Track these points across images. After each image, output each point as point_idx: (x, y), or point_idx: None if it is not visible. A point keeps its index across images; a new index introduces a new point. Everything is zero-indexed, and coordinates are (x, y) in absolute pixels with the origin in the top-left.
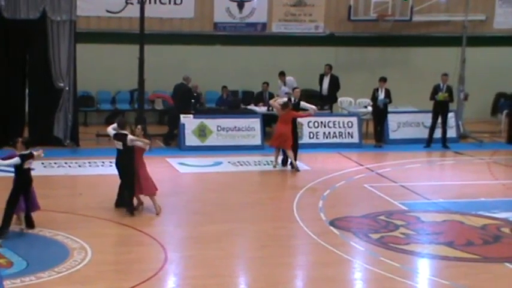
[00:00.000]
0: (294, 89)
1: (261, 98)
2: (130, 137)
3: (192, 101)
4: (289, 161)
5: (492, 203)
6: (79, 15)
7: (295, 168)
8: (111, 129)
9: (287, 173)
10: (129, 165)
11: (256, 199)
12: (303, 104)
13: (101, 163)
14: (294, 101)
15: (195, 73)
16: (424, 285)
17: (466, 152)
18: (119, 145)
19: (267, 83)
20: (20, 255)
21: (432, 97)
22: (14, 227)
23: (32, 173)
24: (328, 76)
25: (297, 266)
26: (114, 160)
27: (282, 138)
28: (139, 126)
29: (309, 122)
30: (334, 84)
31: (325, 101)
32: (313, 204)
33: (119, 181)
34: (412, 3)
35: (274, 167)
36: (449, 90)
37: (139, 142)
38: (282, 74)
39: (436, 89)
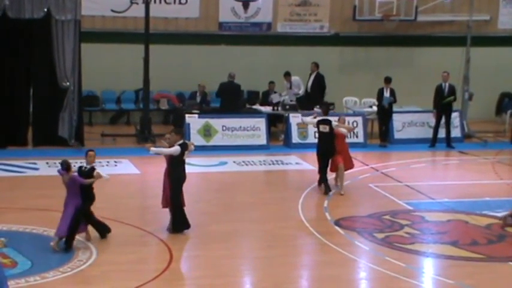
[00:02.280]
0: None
1: (267, 97)
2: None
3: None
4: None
5: (496, 203)
6: (84, 15)
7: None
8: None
9: (292, 172)
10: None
11: (261, 199)
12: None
13: (105, 163)
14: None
15: (200, 73)
16: (429, 284)
17: (470, 152)
18: None
19: (273, 82)
20: (25, 255)
21: (436, 102)
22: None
23: (37, 172)
24: (314, 74)
25: (302, 266)
26: (120, 159)
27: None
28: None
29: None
30: (319, 82)
31: (310, 100)
32: (319, 204)
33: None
34: (416, 3)
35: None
36: (451, 89)
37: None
38: (287, 75)
39: (438, 90)
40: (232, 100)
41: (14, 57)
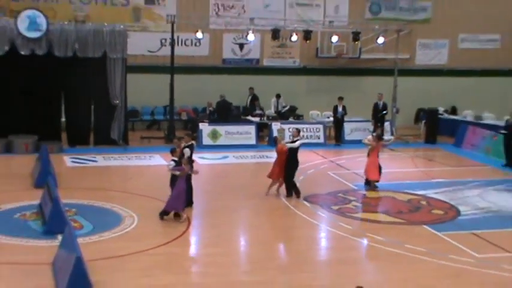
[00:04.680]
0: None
1: (253, 110)
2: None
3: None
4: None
5: (414, 184)
6: (129, 54)
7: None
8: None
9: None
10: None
11: (251, 182)
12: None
13: (143, 157)
14: (292, 139)
15: (209, 94)
16: (369, 240)
17: (397, 149)
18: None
19: (258, 100)
20: (88, 221)
21: (374, 115)
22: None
23: (96, 164)
24: (251, 96)
25: (280, 228)
26: (153, 155)
27: (272, 170)
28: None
29: (289, 128)
30: (253, 100)
31: (247, 112)
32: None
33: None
34: (360, 45)
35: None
36: (384, 106)
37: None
38: (278, 96)
39: (375, 106)
40: (225, 112)
41: (81, 84)
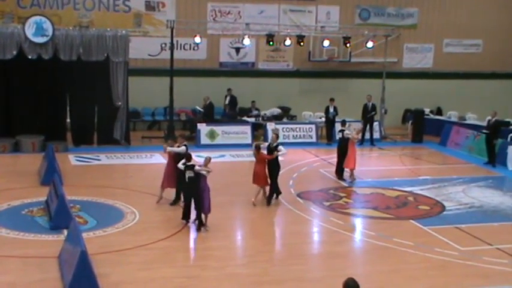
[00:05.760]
0: (274, 134)
1: (249, 111)
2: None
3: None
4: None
5: (402, 181)
6: (130, 58)
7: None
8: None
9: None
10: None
11: (247, 179)
12: (279, 147)
13: (144, 156)
14: (272, 144)
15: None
16: (358, 234)
17: (386, 148)
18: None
19: (254, 101)
20: (92, 216)
21: (363, 116)
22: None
23: (99, 162)
24: (229, 96)
25: (275, 223)
26: (154, 153)
27: (256, 176)
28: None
29: (283, 128)
30: (232, 102)
31: (226, 113)
32: (286, 183)
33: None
34: (350, 49)
35: (254, 205)
36: (373, 107)
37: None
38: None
39: (365, 107)
40: (210, 114)
41: (85, 86)
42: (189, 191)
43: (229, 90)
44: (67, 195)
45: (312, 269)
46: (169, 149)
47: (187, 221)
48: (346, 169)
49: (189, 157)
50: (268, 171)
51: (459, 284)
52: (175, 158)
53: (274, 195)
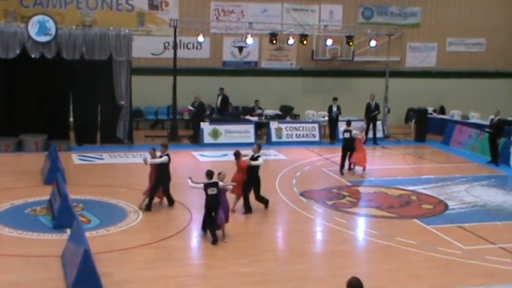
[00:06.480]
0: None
1: (252, 110)
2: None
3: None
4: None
5: (405, 180)
6: (133, 57)
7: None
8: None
9: (271, 161)
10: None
11: None
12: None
13: (148, 155)
14: (253, 156)
15: (211, 95)
16: (361, 234)
17: (389, 147)
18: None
19: (257, 101)
20: (95, 215)
21: (366, 115)
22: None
23: (102, 161)
24: (221, 96)
25: (278, 223)
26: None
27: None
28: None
29: (286, 127)
30: (224, 101)
31: (219, 112)
32: (289, 182)
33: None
34: (353, 49)
35: (233, 211)
36: (376, 106)
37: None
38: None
39: (368, 106)
40: (201, 113)
41: (88, 85)
42: (211, 206)
43: (221, 89)
44: (70, 194)
45: (315, 267)
46: (150, 161)
47: (205, 232)
48: (357, 166)
49: (211, 175)
50: (246, 181)
51: (462, 283)
52: (157, 167)
53: (264, 206)
